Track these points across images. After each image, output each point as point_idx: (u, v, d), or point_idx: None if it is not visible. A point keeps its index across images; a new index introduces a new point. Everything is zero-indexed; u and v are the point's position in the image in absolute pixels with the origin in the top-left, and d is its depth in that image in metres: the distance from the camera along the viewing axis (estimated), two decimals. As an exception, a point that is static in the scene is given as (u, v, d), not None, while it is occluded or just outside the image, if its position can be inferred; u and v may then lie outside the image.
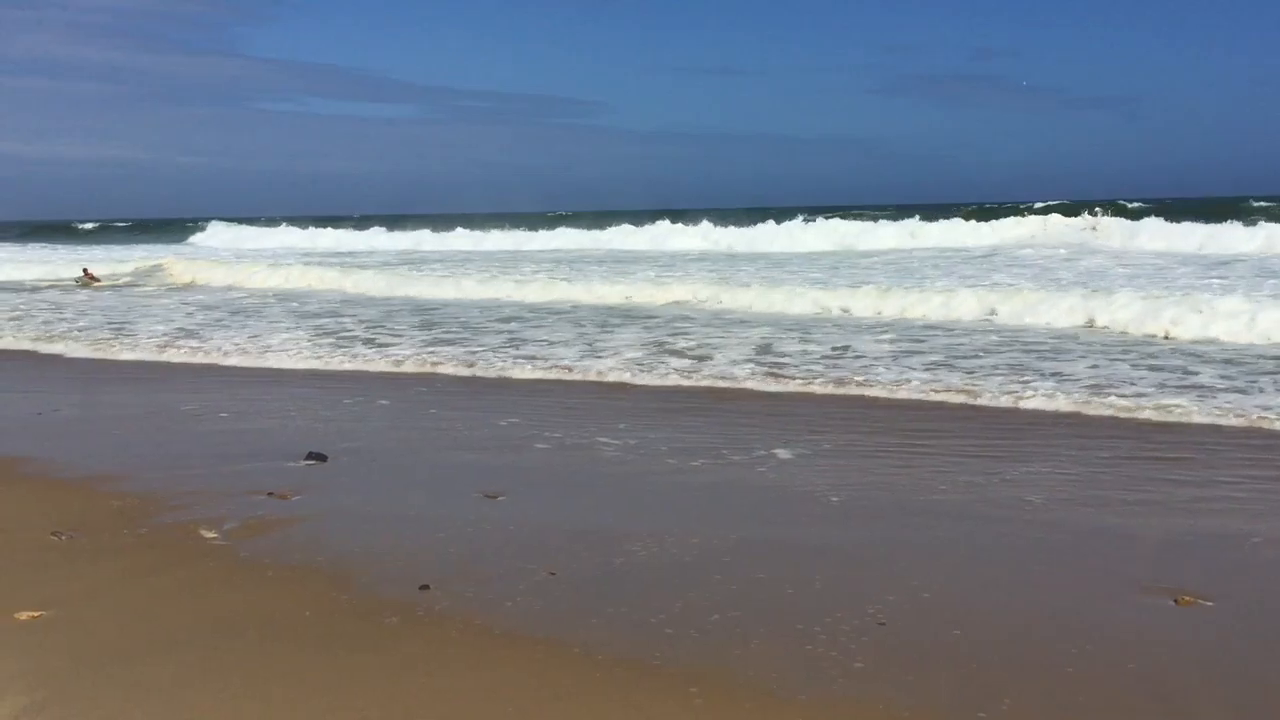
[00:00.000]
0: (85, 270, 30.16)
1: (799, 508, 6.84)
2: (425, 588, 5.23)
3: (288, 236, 56.94)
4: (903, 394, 10.96)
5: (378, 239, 51.50)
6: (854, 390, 11.24)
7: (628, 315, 18.57)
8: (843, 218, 41.06)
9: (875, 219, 41.00)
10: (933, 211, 40.43)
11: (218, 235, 62.84)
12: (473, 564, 5.63)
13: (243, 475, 7.72)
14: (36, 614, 4.87)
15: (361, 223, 59.55)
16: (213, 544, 6.04)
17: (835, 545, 5.98)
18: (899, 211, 46.74)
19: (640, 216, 48.46)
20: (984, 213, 40.58)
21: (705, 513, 6.71)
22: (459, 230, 51.08)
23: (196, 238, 66.14)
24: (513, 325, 17.56)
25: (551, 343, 15.26)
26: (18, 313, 21.05)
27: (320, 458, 8.24)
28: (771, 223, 41.08)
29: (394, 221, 59.22)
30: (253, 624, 4.76)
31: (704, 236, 41.29)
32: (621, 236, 44.29)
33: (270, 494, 7.15)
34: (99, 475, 7.74)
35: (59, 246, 55.40)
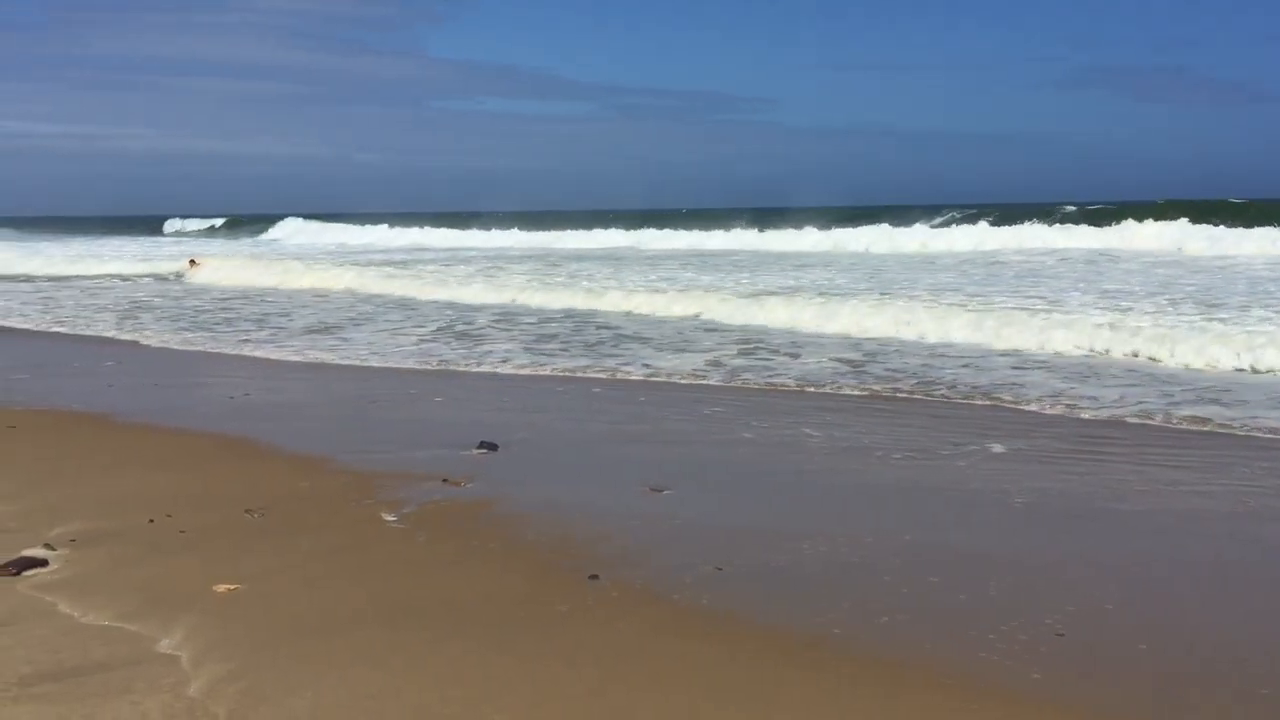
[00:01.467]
0: (191, 260, 33.54)
1: (975, 511, 6.67)
2: (594, 577, 5.31)
3: (380, 235, 58.94)
4: (1101, 413, 10.57)
5: (508, 238, 52.74)
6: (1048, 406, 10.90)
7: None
8: (1042, 220, 39.29)
9: (1057, 219, 39.45)
10: (1138, 211, 38.08)
11: (302, 231, 66.19)
12: (640, 556, 5.69)
13: (419, 462, 7.98)
14: (233, 587, 5.14)
15: (529, 220, 60.69)
16: (392, 527, 6.27)
17: (1012, 551, 5.82)
18: (1088, 210, 44.49)
19: (813, 215, 47.80)
20: (1193, 210, 37.79)
21: (877, 513, 6.61)
22: (613, 230, 51.34)
23: (273, 232, 69.48)
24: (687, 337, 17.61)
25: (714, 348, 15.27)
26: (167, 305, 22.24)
27: (492, 447, 8.45)
28: (984, 224, 39.74)
29: (566, 220, 60.03)
30: (430, 606, 4.91)
31: (905, 238, 38.75)
32: (795, 238, 42.51)
33: (445, 480, 7.38)
34: (287, 457, 8.13)
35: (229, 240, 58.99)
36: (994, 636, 4.56)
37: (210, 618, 4.73)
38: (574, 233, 52.56)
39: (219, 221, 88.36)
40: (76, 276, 32.20)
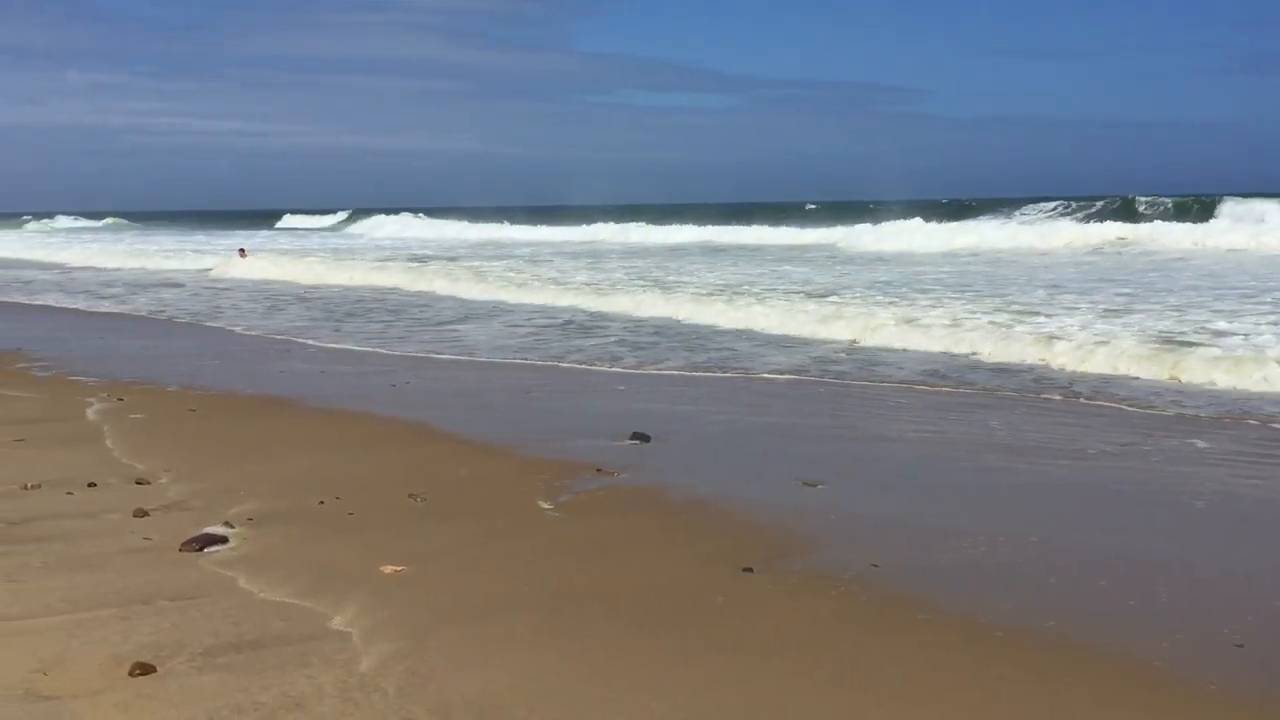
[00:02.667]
0: (241, 250, 36.49)
1: (1143, 513, 6.43)
2: (749, 570, 5.32)
3: (462, 230, 59.41)
4: None
5: (599, 232, 52.18)
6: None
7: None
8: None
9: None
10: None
11: (382, 226, 67.38)
12: (795, 550, 5.66)
13: (572, 451, 8.10)
14: (399, 568, 5.32)
15: (665, 214, 60.81)
16: (548, 515, 6.39)
17: (1186, 556, 5.58)
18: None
19: (970, 207, 46.53)
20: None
21: (1044, 512, 6.43)
22: (755, 227, 50.62)
23: (354, 227, 71.11)
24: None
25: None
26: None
27: (644, 438, 8.52)
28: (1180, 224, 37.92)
29: (702, 213, 59.86)
30: (587, 593, 4.99)
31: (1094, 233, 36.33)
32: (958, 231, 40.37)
33: (599, 470, 7.48)
34: (447, 444, 8.36)
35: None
36: (1166, 644, 4.39)
37: (378, 597, 4.90)
38: (690, 228, 51.65)
39: (341, 215, 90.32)
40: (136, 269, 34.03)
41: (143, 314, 20.44)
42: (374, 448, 8.20)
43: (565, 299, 21.18)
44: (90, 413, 9.46)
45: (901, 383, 11.56)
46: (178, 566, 5.35)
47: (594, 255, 37.94)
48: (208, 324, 18.46)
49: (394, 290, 25.26)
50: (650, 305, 19.07)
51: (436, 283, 25.86)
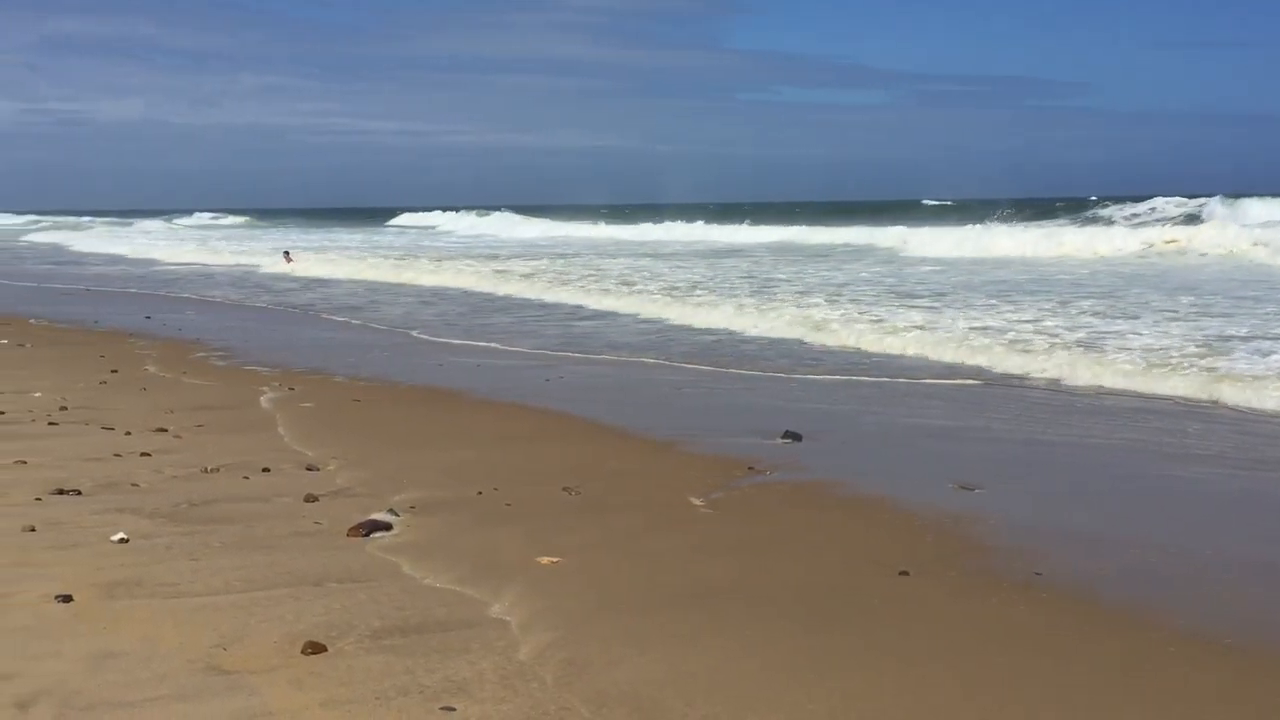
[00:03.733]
0: (286, 253, 35.79)
1: (1324, 530, 6.08)
2: (904, 573, 5.23)
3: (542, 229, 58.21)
4: None
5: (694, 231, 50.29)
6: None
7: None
8: None
9: None
10: None
11: (459, 222, 67.79)
12: (952, 555, 5.55)
13: (724, 448, 8.12)
14: (555, 559, 5.42)
15: (812, 212, 59.74)
16: (700, 511, 6.41)
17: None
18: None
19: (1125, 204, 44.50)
20: None
21: (1214, 523, 6.15)
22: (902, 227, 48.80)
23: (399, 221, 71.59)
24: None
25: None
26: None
27: (796, 437, 8.47)
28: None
29: (843, 211, 58.68)
30: (740, 591, 5.00)
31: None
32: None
33: (751, 468, 7.47)
34: (600, 439, 8.47)
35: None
36: (1355, 668, 4.15)
37: (535, 587, 5.01)
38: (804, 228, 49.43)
39: (449, 211, 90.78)
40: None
41: (287, 307, 21.28)
42: (530, 440, 8.37)
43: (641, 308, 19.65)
44: (263, 401, 9.91)
45: (1059, 389, 11.20)
46: (345, 551, 5.56)
47: (724, 256, 37.43)
48: (337, 318, 19.11)
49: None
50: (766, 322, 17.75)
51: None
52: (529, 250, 41.32)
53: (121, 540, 5.61)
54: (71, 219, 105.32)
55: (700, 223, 58.88)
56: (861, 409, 9.96)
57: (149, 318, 17.68)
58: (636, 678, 4.04)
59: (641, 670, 4.11)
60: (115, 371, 11.40)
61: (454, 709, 3.78)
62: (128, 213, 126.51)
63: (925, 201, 66.79)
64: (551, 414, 9.51)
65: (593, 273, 27.33)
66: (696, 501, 6.59)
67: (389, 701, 3.84)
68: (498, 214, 76.63)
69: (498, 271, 28.21)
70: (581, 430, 8.84)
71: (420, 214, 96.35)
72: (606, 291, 21.82)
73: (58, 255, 43.76)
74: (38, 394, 9.86)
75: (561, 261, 32.71)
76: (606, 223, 62.29)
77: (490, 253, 39.78)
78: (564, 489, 6.81)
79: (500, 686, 3.96)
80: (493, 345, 14.68)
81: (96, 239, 55.99)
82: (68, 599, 4.76)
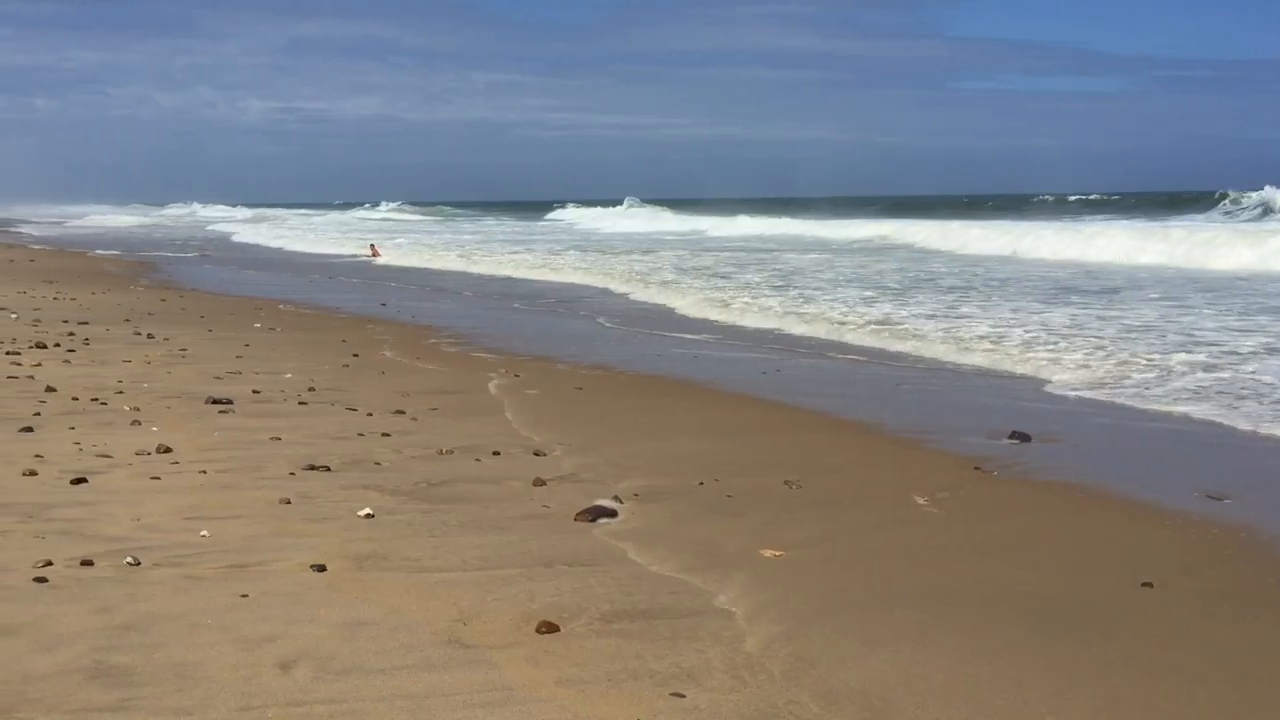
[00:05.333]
0: (372, 246, 35.54)
1: None
2: (1148, 585, 4.99)
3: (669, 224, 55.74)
4: None
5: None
6: None
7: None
8: None
9: None
10: None
11: (584, 217, 66.36)
12: (1199, 568, 5.25)
13: (948, 446, 7.93)
14: (779, 553, 5.43)
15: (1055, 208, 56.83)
16: (924, 511, 6.29)
17: None
18: None
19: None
20: None
21: None
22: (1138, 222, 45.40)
23: (554, 215, 70.44)
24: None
25: None
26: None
27: (1024, 438, 8.19)
28: None
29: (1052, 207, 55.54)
30: (970, 595, 4.88)
31: None
32: None
33: (976, 468, 7.27)
34: (821, 432, 8.42)
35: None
36: None
37: (760, 580, 5.03)
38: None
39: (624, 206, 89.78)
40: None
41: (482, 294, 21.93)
42: (750, 432, 8.39)
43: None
44: (491, 386, 10.29)
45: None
46: (573, 534, 5.72)
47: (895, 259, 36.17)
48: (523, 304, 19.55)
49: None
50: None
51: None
52: (725, 245, 41.28)
53: (368, 515, 5.94)
54: (283, 211, 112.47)
55: (936, 220, 50.08)
56: (1094, 409, 9.53)
57: (384, 304, 18.62)
58: (865, 676, 4.01)
59: (871, 669, 4.07)
60: (356, 355, 12.07)
61: (683, 695, 3.84)
62: (349, 204, 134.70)
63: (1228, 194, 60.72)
64: (771, 406, 9.51)
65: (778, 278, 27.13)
66: (921, 500, 6.47)
67: (620, 684, 3.94)
68: (653, 208, 76.40)
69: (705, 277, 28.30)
70: (802, 423, 8.80)
71: (586, 208, 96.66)
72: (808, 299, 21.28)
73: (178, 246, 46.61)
74: (288, 375, 10.55)
75: (759, 257, 32.57)
76: (819, 218, 60.11)
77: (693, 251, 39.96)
78: (785, 482, 6.80)
79: (728, 676, 4.00)
80: (709, 337, 14.77)
81: (255, 232, 58.49)
82: (322, 569, 5.08)
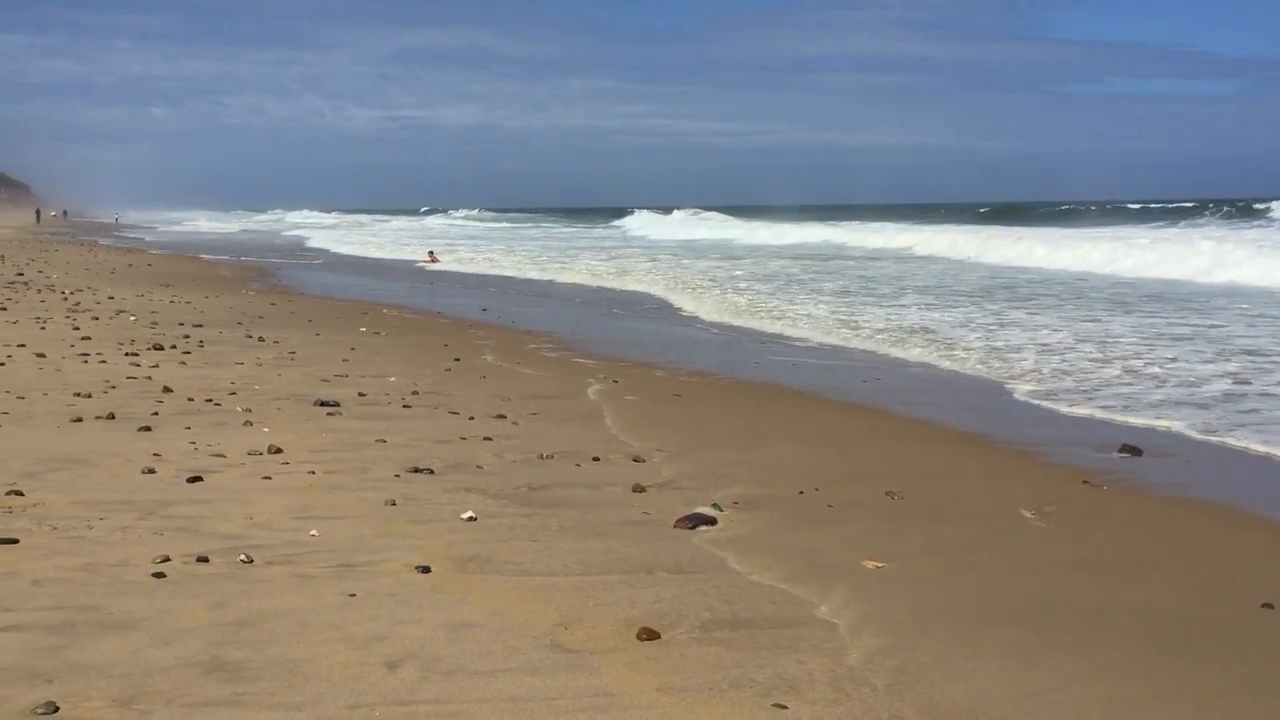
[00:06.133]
0: (430, 252, 36.43)
1: None
2: (1268, 606, 4.81)
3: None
4: None
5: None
6: None
7: None
8: None
9: None
10: None
11: (651, 224, 65.30)
12: (1323, 590, 5.05)
13: (1056, 459, 7.77)
14: (880, 564, 5.36)
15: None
16: (1032, 524, 6.16)
17: None
18: None
19: None
20: None
21: None
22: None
23: (625, 222, 69.65)
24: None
25: None
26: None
27: (1135, 451, 7.97)
28: None
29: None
30: (1079, 611, 4.76)
31: None
32: None
33: (1085, 481, 7.10)
34: (922, 442, 8.30)
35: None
36: None
37: (861, 591, 4.97)
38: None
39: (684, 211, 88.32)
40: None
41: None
42: (850, 441, 8.32)
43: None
44: (590, 392, 10.36)
45: None
46: (673, 542, 5.73)
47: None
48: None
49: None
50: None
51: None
52: (798, 252, 40.93)
53: (470, 518, 6.02)
54: (366, 217, 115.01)
55: (1047, 227, 47.90)
56: (1208, 420, 9.22)
57: (485, 310, 18.87)
58: (971, 692, 3.94)
59: (976, 685, 4.00)
60: (458, 360, 12.25)
61: (785, 707, 3.82)
62: (435, 210, 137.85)
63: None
64: (872, 414, 9.41)
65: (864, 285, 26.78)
66: (1027, 514, 6.33)
67: (721, 693, 3.93)
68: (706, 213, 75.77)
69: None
70: (903, 432, 8.69)
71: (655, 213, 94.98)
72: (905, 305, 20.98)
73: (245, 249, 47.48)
74: (393, 378, 10.76)
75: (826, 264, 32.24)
76: (900, 222, 58.21)
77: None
78: (887, 493, 6.72)
79: (831, 689, 3.97)
80: (807, 344, 14.66)
81: (327, 237, 59.54)
82: (426, 570, 5.17)
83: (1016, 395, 10.62)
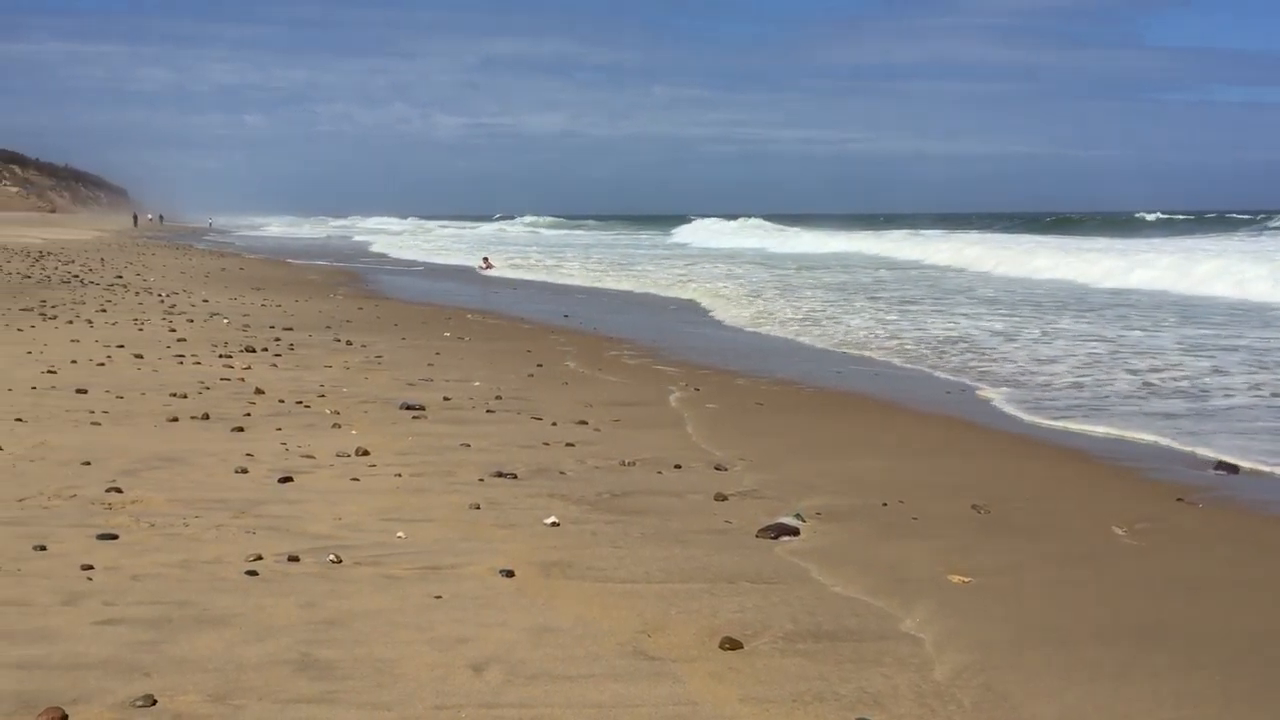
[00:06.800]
0: (485, 258, 36.42)
1: None
2: (1374, 633, 4.65)
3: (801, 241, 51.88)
4: None
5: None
6: None
7: None
8: None
9: None
10: None
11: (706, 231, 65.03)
12: None
13: (1148, 474, 7.60)
14: (967, 579, 5.29)
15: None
16: (1124, 542, 6.02)
17: None
18: None
19: None
20: None
21: None
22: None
23: (680, 230, 68.92)
24: None
25: None
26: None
27: (1232, 469, 7.75)
28: None
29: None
30: (1175, 633, 4.65)
31: None
32: None
33: (1179, 499, 6.92)
34: (1006, 456, 8.16)
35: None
36: None
37: (947, 606, 4.91)
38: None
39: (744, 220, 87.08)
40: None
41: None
42: (936, 453, 8.21)
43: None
44: (672, 399, 10.37)
45: None
46: (755, 551, 5.71)
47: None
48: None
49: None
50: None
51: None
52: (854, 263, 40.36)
53: (553, 524, 6.07)
54: (433, 223, 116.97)
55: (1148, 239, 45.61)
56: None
57: (567, 316, 18.99)
58: (1061, 712, 3.87)
59: (1066, 705, 3.92)
60: (540, 366, 12.35)
61: (870, 721, 3.79)
62: (507, 217, 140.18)
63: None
64: (959, 426, 9.28)
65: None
66: (1119, 531, 6.20)
67: (805, 705, 3.90)
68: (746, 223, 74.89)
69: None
70: (990, 445, 8.56)
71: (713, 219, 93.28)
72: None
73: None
74: (476, 383, 10.88)
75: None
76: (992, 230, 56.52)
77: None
78: (973, 506, 6.62)
79: (916, 704, 3.92)
80: (888, 359, 14.51)
81: (390, 243, 60.12)
82: (510, 574, 5.22)
83: (1104, 411, 10.38)
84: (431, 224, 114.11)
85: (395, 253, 47.52)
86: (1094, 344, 14.91)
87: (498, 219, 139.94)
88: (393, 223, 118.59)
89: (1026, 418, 9.71)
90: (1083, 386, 11.46)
